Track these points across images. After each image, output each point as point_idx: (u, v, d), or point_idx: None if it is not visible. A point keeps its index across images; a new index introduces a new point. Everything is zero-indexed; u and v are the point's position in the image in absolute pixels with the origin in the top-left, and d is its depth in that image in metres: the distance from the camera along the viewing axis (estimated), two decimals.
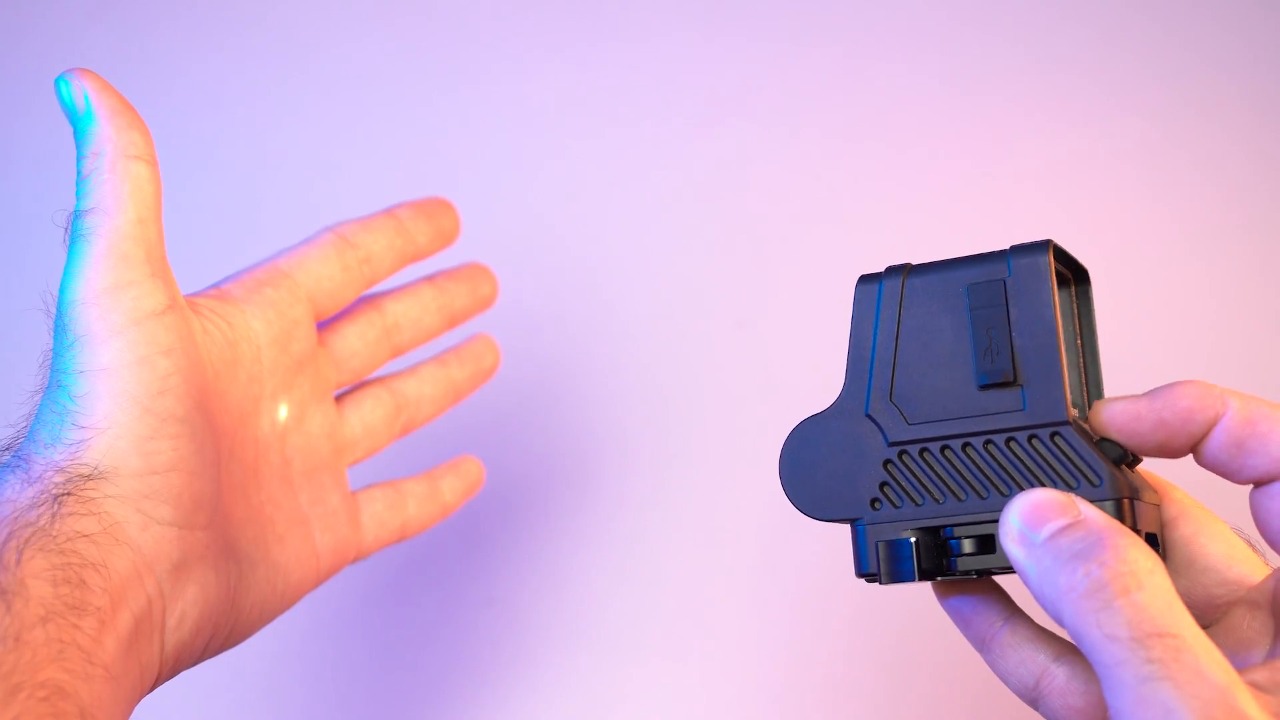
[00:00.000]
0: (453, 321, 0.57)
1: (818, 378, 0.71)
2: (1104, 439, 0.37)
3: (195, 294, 0.48)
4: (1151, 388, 0.38)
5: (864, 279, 0.40)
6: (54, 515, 0.39)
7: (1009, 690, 0.41)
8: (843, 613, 0.68)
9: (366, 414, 0.54)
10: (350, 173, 0.79)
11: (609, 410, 0.72)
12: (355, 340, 0.53)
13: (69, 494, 0.39)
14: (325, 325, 0.53)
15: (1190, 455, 0.38)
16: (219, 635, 0.45)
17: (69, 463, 0.40)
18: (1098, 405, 0.38)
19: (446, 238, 0.56)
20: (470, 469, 0.58)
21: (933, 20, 0.76)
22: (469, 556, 0.70)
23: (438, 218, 0.55)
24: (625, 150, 0.77)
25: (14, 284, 0.79)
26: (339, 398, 0.54)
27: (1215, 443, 0.37)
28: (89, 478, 0.40)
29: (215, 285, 0.49)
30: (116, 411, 0.40)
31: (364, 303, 0.54)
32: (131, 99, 0.43)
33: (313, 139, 0.80)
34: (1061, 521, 0.34)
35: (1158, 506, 0.38)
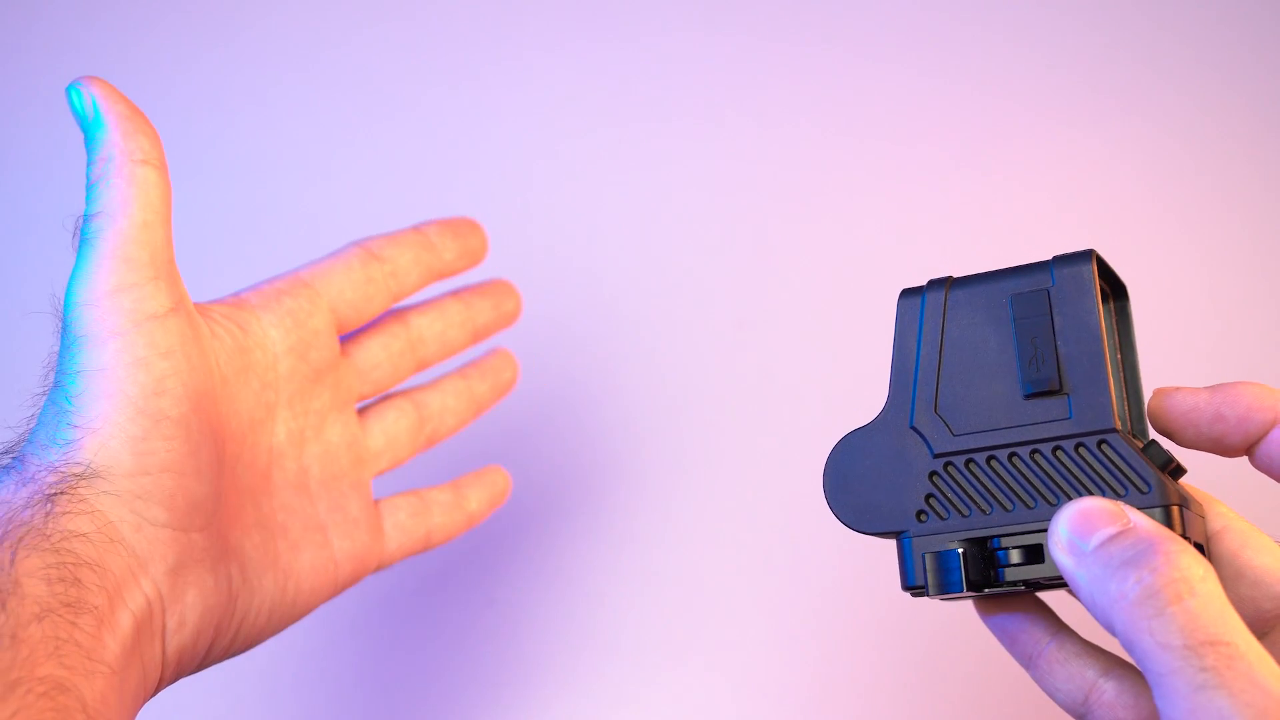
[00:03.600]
0: (476, 336, 0.57)
1: (818, 377, 0.72)
2: (1150, 444, 0.37)
3: (212, 301, 0.48)
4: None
5: (906, 293, 0.40)
6: (47, 514, 0.39)
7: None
8: (845, 613, 0.68)
9: (389, 425, 0.54)
10: (350, 173, 0.80)
11: (608, 410, 0.72)
12: (379, 352, 0.54)
13: (62, 493, 0.39)
14: (349, 337, 0.54)
15: (1239, 457, 0.38)
16: (221, 640, 0.45)
17: (62, 462, 0.40)
18: (1157, 392, 0.38)
19: (473, 257, 0.56)
20: (496, 479, 0.58)
21: (934, 20, 0.76)
22: (469, 556, 0.70)
23: (465, 237, 0.56)
24: (625, 149, 0.77)
25: (18, 286, 0.79)
26: (363, 409, 0.54)
27: (1272, 445, 0.37)
28: (81, 477, 0.40)
29: (235, 293, 0.50)
30: (111, 411, 0.41)
31: (389, 316, 0.55)
32: (131, 98, 0.44)
33: (312, 139, 0.81)
34: (1111, 529, 0.34)
35: (1203, 519, 0.38)
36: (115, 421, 0.41)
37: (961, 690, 0.65)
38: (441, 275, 0.55)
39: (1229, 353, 0.68)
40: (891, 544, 0.40)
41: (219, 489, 0.44)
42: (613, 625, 0.69)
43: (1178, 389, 0.38)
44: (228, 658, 0.46)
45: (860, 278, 0.72)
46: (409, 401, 0.55)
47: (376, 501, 0.53)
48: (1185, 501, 0.36)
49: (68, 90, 0.43)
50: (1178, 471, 0.38)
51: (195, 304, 0.47)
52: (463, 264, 0.56)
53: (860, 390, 0.70)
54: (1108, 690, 0.39)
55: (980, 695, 0.65)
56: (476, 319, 0.57)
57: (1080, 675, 0.40)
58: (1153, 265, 0.70)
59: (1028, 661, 0.41)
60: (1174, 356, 0.65)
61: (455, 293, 0.57)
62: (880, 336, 0.70)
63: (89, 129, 0.43)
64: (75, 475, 0.40)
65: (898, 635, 0.66)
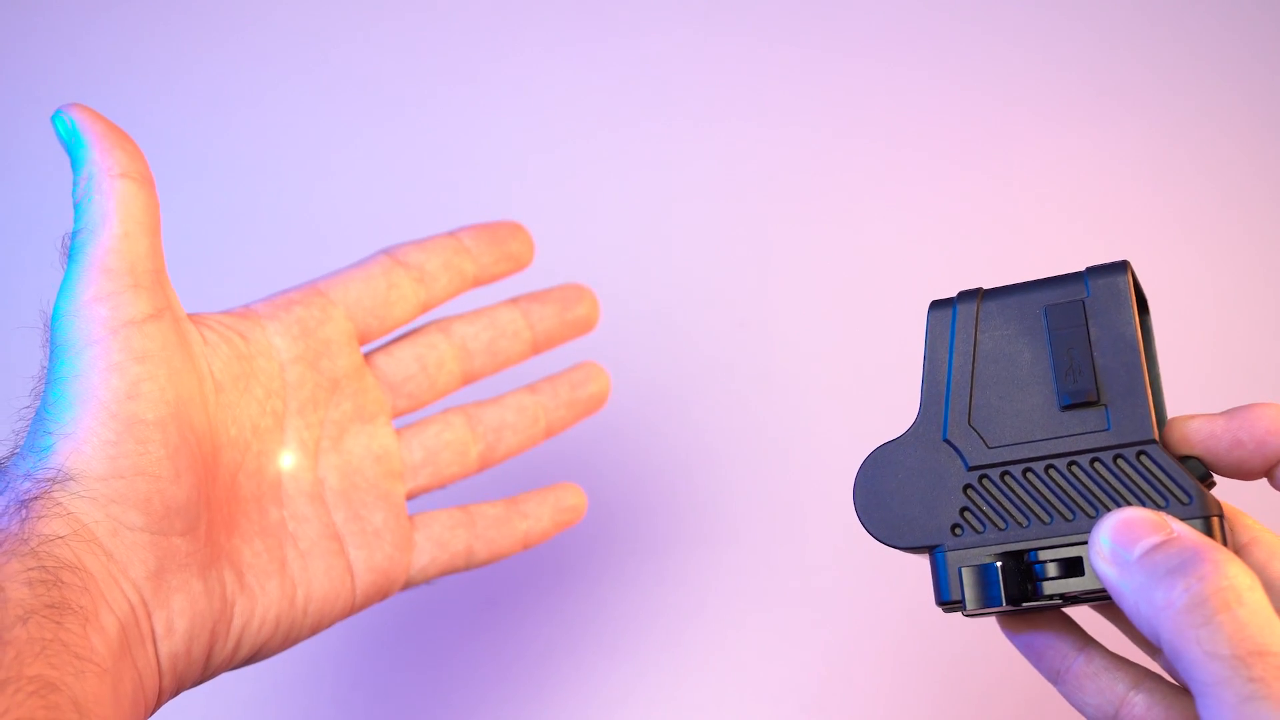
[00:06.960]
0: (536, 346, 0.55)
1: (818, 378, 0.72)
2: (1187, 457, 0.37)
3: (220, 311, 0.48)
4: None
5: (936, 304, 0.40)
6: (23, 520, 0.39)
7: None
8: (845, 614, 0.68)
9: (429, 439, 0.52)
10: (350, 175, 0.79)
11: (608, 410, 0.71)
12: (411, 363, 0.52)
13: (37, 498, 0.39)
14: (380, 347, 0.53)
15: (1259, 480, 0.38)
16: (222, 648, 0.44)
17: (38, 469, 0.40)
18: (1174, 422, 0.38)
19: (516, 261, 0.54)
20: (564, 496, 0.55)
21: (933, 20, 0.77)
22: None
23: (505, 240, 0.54)
24: (625, 149, 0.77)
25: (12, 302, 0.79)
26: (412, 423, 0.53)
27: None
28: (54, 481, 0.40)
29: (246, 304, 0.49)
30: (84, 416, 0.41)
31: (430, 325, 0.53)
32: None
33: (313, 139, 0.80)
34: (1155, 539, 0.33)
35: (1232, 532, 0.38)
36: (88, 426, 0.41)
37: (978, 707, 0.65)
38: (479, 281, 0.53)
39: (1228, 352, 0.69)
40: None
41: (205, 494, 0.43)
42: (613, 626, 0.69)
43: (1193, 417, 0.38)
44: (235, 667, 0.45)
45: (861, 278, 0.73)
46: (460, 416, 0.53)
47: (413, 516, 0.51)
48: (1223, 513, 0.36)
49: (52, 118, 0.44)
50: (1211, 484, 0.38)
51: (196, 314, 0.47)
52: (503, 269, 0.54)
53: (862, 389, 0.70)
54: (1138, 703, 0.39)
55: (996, 713, 0.65)
56: (536, 326, 0.54)
57: (1110, 689, 0.40)
58: (1151, 265, 0.70)
59: (1055, 677, 0.41)
60: (1172, 356, 0.66)
61: (512, 299, 0.55)
62: (880, 336, 0.71)
63: (72, 150, 0.43)
64: (49, 480, 0.40)
65: (907, 647, 0.66)
